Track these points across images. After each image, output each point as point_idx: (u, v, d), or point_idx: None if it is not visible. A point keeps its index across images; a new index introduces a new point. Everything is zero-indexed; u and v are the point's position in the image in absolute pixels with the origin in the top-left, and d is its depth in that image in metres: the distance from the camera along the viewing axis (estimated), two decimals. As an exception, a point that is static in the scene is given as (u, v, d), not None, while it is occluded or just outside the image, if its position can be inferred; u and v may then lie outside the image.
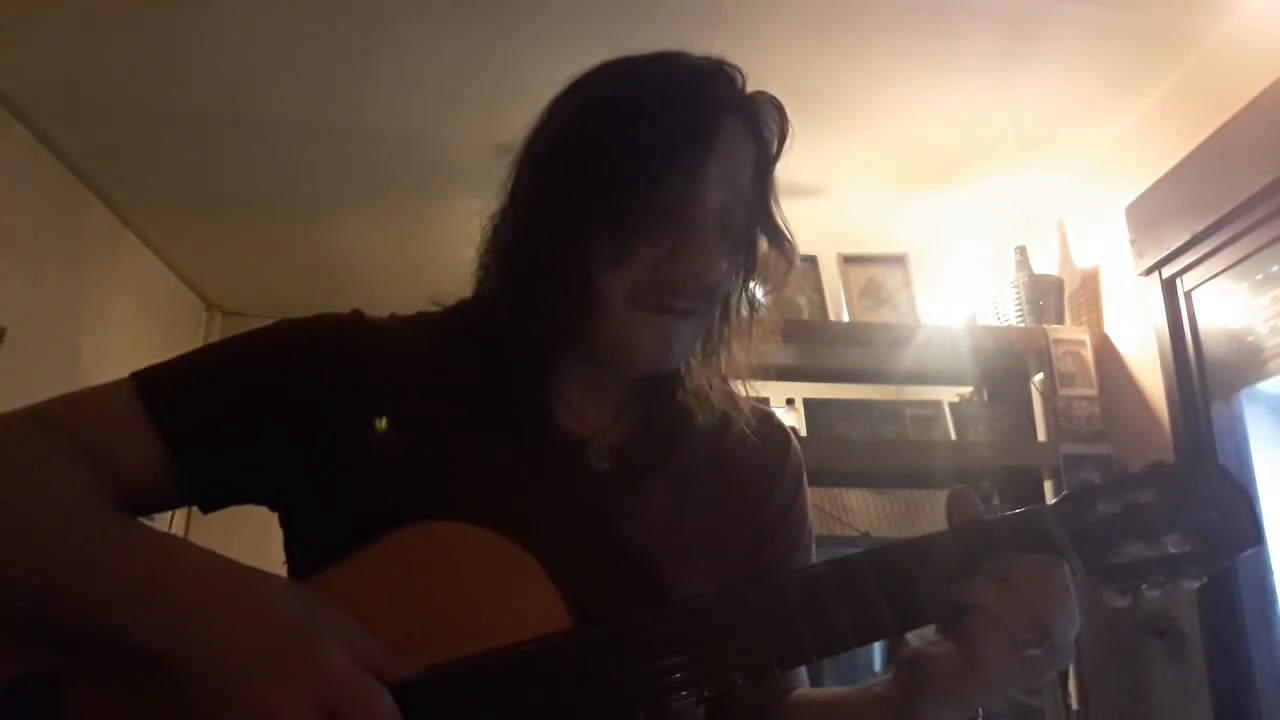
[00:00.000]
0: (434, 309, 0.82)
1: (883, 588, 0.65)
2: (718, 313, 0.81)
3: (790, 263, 0.83)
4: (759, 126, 0.78)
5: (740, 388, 0.85)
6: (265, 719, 0.56)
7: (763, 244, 0.82)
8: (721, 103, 0.75)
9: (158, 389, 0.71)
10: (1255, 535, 0.66)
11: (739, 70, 0.78)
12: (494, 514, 0.66)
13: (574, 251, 0.72)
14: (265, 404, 0.71)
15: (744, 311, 0.82)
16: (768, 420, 0.90)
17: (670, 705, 0.63)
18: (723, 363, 0.82)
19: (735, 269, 0.79)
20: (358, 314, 0.78)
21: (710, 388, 0.82)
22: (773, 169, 0.80)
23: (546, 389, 0.77)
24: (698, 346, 0.81)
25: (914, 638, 0.68)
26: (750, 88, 0.79)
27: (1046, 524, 0.67)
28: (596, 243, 0.72)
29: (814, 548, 0.89)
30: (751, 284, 0.83)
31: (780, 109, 0.79)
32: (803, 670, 0.85)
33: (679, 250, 0.72)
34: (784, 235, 0.81)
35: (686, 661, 0.63)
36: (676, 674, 0.63)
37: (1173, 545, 0.66)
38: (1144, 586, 0.66)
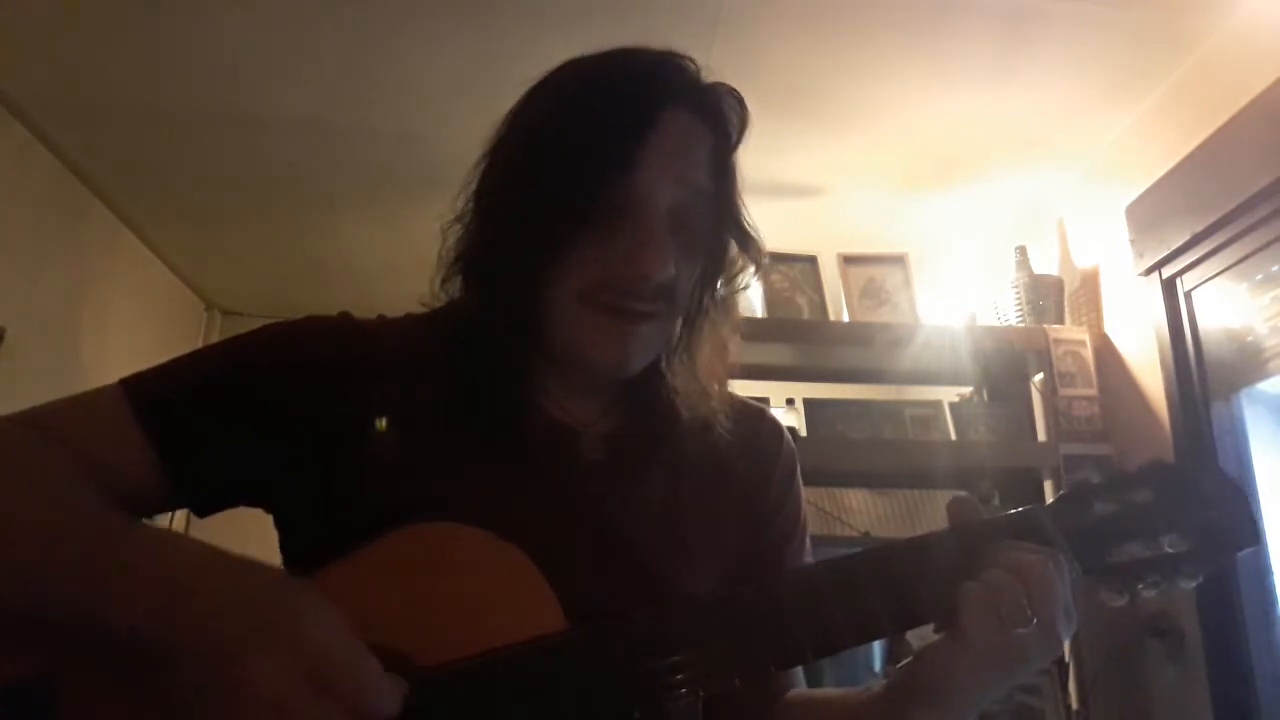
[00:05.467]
0: (422, 310, 0.82)
1: (879, 587, 0.65)
2: (693, 311, 0.80)
3: (757, 261, 0.81)
4: (716, 117, 0.76)
5: (722, 386, 0.84)
6: (245, 687, 0.54)
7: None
8: (664, 94, 0.73)
9: (148, 395, 0.71)
10: (1253, 535, 0.66)
11: (692, 60, 0.76)
12: (488, 511, 0.66)
13: (525, 254, 0.72)
14: (254, 408, 0.71)
15: (713, 310, 0.81)
16: (759, 416, 0.89)
17: (666, 705, 0.63)
18: (699, 362, 0.81)
19: (697, 267, 0.78)
20: (345, 315, 0.78)
21: (693, 387, 0.81)
22: (732, 161, 0.78)
23: (532, 386, 0.77)
24: (675, 346, 0.80)
25: (914, 638, 0.68)
26: (750, 87, 0.77)
27: (1043, 524, 0.67)
28: (545, 244, 0.71)
29: (808, 542, 0.89)
30: (720, 282, 0.81)
31: (739, 100, 0.77)
32: (798, 671, 0.85)
33: (626, 249, 0.71)
34: (748, 232, 0.80)
35: (683, 661, 0.63)
36: (673, 674, 0.63)
37: (1170, 545, 0.66)
38: (1141, 586, 0.66)
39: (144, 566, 0.61)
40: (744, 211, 0.79)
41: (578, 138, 0.70)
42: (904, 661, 0.69)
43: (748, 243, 0.80)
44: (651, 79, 0.74)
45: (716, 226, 0.78)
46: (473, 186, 0.78)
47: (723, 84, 0.77)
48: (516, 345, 0.75)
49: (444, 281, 0.78)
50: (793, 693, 0.84)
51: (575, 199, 0.70)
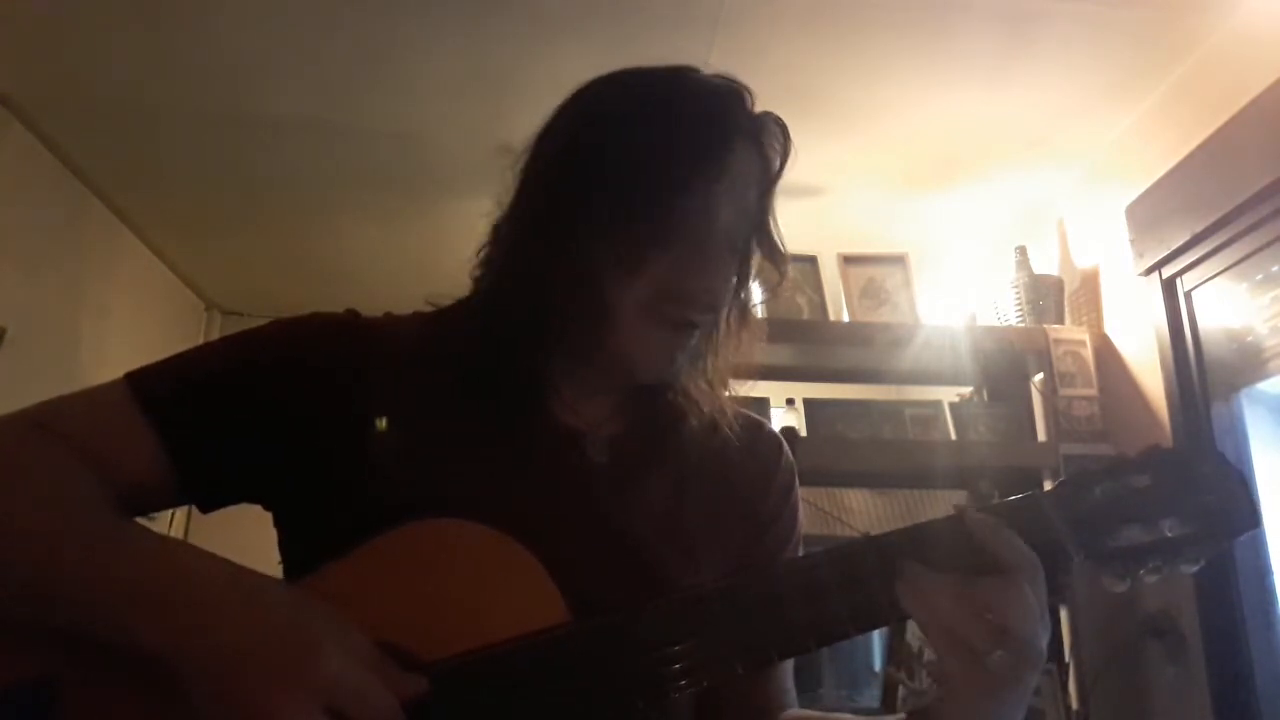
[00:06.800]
0: (429, 309, 0.82)
1: (880, 574, 0.65)
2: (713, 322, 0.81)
3: (782, 275, 0.84)
4: (765, 146, 0.79)
5: (731, 389, 0.85)
6: (265, 717, 0.56)
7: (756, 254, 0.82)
8: (735, 124, 0.76)
9: (153, 389, 0.71)
10: (1252, 518, 0.66)
11: (749, 90, 0.79)
12: (492, 509, 0.66)
13: (586, 262, 0.73)
14: (260, 403, 0.71)
15: (734, 319, 0.83)
16: (758, 428, 0.90)
17: (670, 695, 0.63)
18: (710, 367, 0.82)
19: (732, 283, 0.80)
20: (352, 313, 0.79)
21: (702, 394, 0.82)
22: (775, 187, 0.81)
23: (542, 386, 0.78)
24: (692, 355, 0.81)
25: (915, 638, 0.69)
26: (750, 89, 0.79)
27: (1044, 509, 0.67)
28: (610, 255, 0.72)
29: (801, 552, 0.88)
30: (743, 293, 0.83)
31: (784, 129, 0.80)
32: (791, 690, 0.86)
33: (691, 265, 0.73)
34: (779, 250, 0.82)
35: (685, 651, 0.63)
36: (676, 664, 0.63)
37: (1170, 529, 0.66)
38: (1142, 571, 0.66)
39: (159, 581, 0.61)
40: (777, 232, 0.81)
41: (662, 158, 0.72)
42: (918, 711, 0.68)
43: (776, 256, 0.82)
44: (724, 108, 0.77)
45: (750, 246, 0.80)
46: (521, 187, 0.78)
47: (772, 114, 0.80)
48: (541, 345, 0.75)
49: (480, 276, 0.80)
50: (788, 712, 0.84)
51: (651, 217, 0.72)
